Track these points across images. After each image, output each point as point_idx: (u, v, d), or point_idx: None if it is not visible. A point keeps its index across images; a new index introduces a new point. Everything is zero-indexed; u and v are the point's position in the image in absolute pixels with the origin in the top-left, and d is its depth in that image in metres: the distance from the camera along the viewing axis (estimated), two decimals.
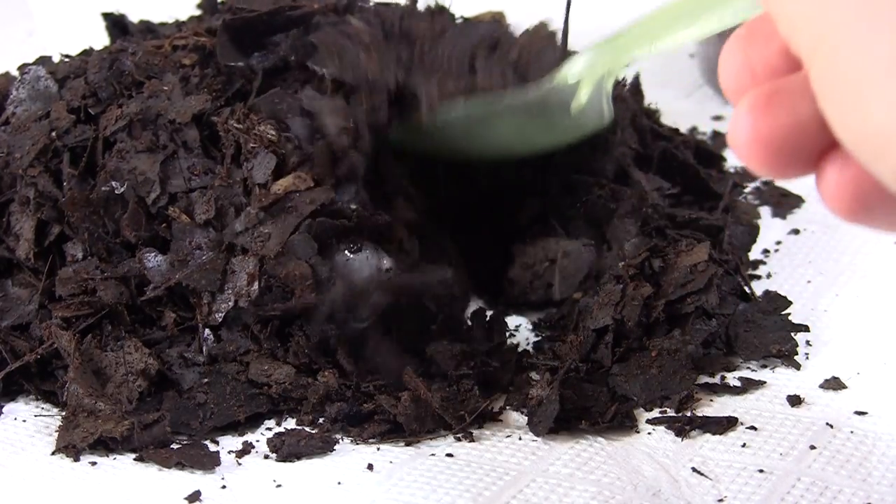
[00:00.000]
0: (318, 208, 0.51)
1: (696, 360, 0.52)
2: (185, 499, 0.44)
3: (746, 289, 0.56)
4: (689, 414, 0.49)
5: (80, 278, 0.53)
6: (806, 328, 0.54)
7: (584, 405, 0.49)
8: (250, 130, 0.53)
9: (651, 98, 0.69)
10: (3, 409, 0.51)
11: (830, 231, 0.64)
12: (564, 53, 0.55)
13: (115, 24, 0.67)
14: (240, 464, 0.47)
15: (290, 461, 0.47)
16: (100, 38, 0.66)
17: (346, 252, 0.52)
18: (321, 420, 0.49)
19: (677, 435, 0.48)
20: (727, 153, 0.71)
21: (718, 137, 0.76)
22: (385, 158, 0.55)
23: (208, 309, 0.52)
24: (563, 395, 0.48)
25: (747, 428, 0.48)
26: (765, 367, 0.53)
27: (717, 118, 0.79)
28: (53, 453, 0.48)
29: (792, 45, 0.29)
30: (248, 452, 0.48)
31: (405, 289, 0.51)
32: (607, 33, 0.46)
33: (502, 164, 0.59)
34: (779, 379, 0.51)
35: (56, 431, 0.48)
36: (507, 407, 0.50)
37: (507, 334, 0.56)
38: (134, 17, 0.67)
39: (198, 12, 0.66)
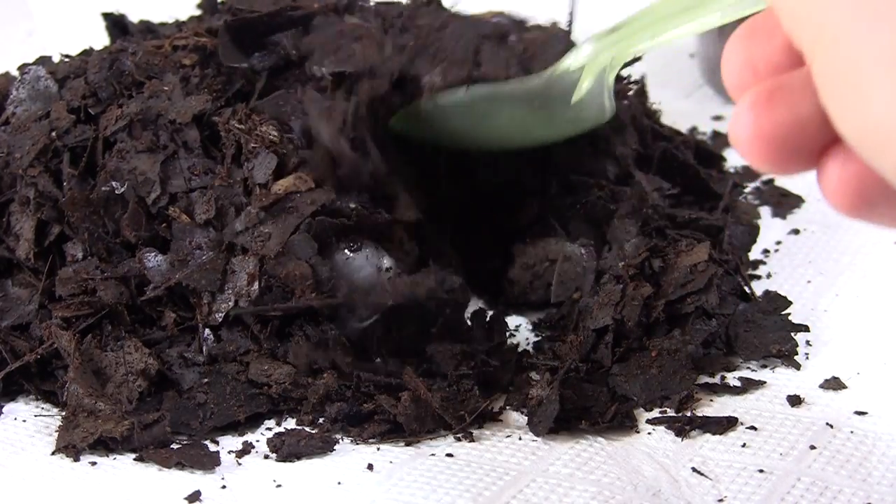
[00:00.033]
0: (319, 209, 0.51)
1: (696, 360, 0.52)
2: (185, 499, 0.44)
3: (746, 289, 0.56)
4: (689, 414, 0.49)
5: (80, 278, 0.53)
6: (806, 328, 0.54)
7: (584, 405, 0.49)
8: (252, 131, 0.53)
9: (651, 98, 0.69)
10: (3, 409, 0.51)
11: (830, 231, 0.64)
12: (569, 47, 0.56)
13: (115, 24, 0.67)
14: (240, 464, 0.47)
15: (290, 461, 0.47)
16: (100, 38, 0.67)
17: (346, 251, 0.52)
18: (321, 420, 0.49)
19: (677, 435, 0.48)
20: (727, 153, 0.71)
21: (718, 137, 0.76)
22: (388, 157, 0.55)
23: (208, 309, 0.52)
24: (563, 395, 0.48)
25: (747, 428, 0.48)
26: (765, 367, 0.53)
27: (717, 118, 0.79)
28: (53, 453, 0.48)
29: (794, 40, 0.29)
30: (248, 452, 0.48)
31: (411, 298, 0.51)
32: (609, 25, 0.46)
33: (502, 164, 0.59)
34: (779, 379, 0.51)
35: (56, 431, 0.48)
36: (507, 407, 0.50)
37: (507, 334, 0.56)
38: (134, 17, 0.67)
39: (198, 12, 0.66)
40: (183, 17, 0.66)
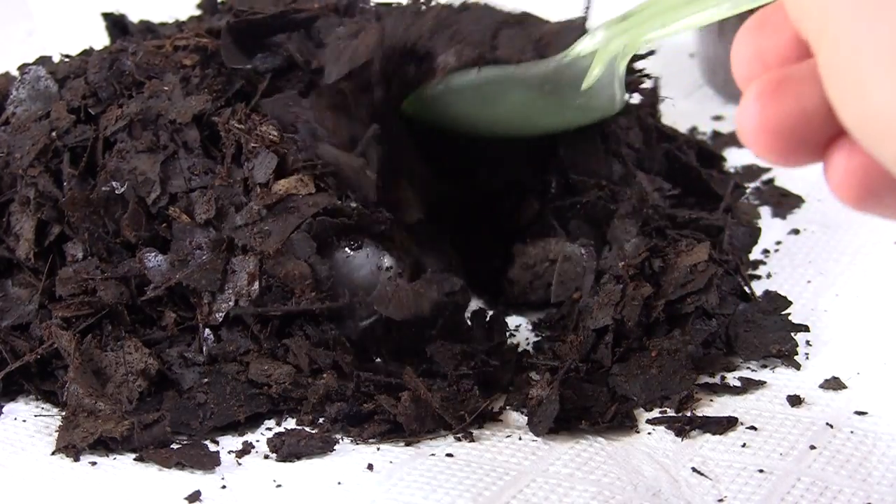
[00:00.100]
0: (321, 211, 0.51)
1: (696, 360, 0.52)
2: (185, 499, 0.44)
3: (746, 289, 0.56)
4: (689, 414, 0.49)
5: (80, 278, 0.53)
6: (806, 328, 0.54)
7: (584, 405, 0.49)
8: (252, 130, 0.53)
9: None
10: (3, 409, 0.51)
11: (830, 231, 0.64)
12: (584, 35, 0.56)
13: (115, 24, 0.67)
14: (240, 464, 0.47)
15: (290, 461, 0.47)
16: (100, 38, 0.67)
17: (347, 249, 0.52)
18: (321, 420, 0.49)
19: (677, 435, 0.48)
20: (727, 153, 0.71)
21: (718, 137, 0.76)
22: (396, 152, 0.55)
23: (208, 309, 0.52)
24: (563, 395, 0.48)
25: (747, 428, 0.48)
26: (765, 367, 0.52)
27: (717, 118, 0.79)
28: (53, 453, 0.48)
29: (801, 30, 0.29)
30: (248, 452, 0.48)
31: (416, 312, 0.51)
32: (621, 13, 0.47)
33: (503, 163, 0.59)
34: (779, 379, 0.51)
35: (56, 431, 0.48)
36: (507, 407, 0.50)
37: (507, 334, 0.56)
38: (134, 17, 0.67)
39: (198, 12, 0.66)
40: (183, 17, 0.66)
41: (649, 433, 0.48)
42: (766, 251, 0.62)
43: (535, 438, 0.48)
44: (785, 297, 0.56)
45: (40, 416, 0.51)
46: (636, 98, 0.65)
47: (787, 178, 0.69)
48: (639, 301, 0.52)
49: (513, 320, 0.57)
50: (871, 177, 0.29)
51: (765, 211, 0.66)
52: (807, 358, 0.53)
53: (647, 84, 0.66)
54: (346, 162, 0.53)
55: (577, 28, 0.57)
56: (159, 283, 0.52)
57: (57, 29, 0.96)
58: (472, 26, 0.56)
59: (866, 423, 0.48)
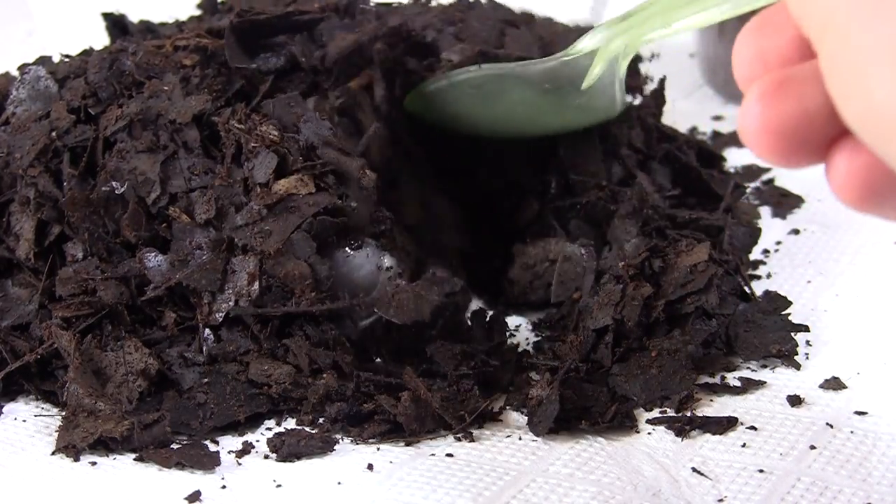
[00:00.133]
0: (321, 211, 0.51)
1: (696, 360, 0.52)
2: (185, 499, 0.44)
3: (746, 289, 0.56)
4: (689, 414, 0.49)
5: (80, 278, 0.53)
6: (806, 328, 0.54)
7: (584, 405, 0.49)
8: (252, 130, 0.53)
9: (654, 98, 0.69)
10: (3, 409, 0.51)
11: (830, 231, 0.64)
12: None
13: (115, 24, 0.67)
14: (240, 464, 0.47)
15: (290, 461, 0.47)
16: (100, 38, 0.67)
17: (347, 249, 0.52)
18: (321, 420, 0.49)
19: (677, 435, 0.48)
20: (727, 153, 0.71)
21: (718, 137, 0.76)
22: (398, 149, 0.55)
23: (208, 309, 0.52)
24: (563, 395, 0.48)
25: (747, 428, 0.48)
26: (765, 367, 0.52)
27: (717, 118, 0.79)
28: (53, 453, 0.48)
29: (803, 28, 0.29)
30: (248, 452, 0.48)
31: (417, 317, 0.51)
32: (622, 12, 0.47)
33: (502, 164, 0.59)
34: (779, 379, 0.51)
35: (56, 431, 0.48)
36: (507, 407, 0.50)
37: (507, 334, 0.56)
38: (134, 17, 0.67)
39: (198, 12, 0.66)
40: (183, 17, 0.66)
41: (649, 433, 0.48)
42: (766, 251, 0.62)
43: (535, 438, 0.48)
44: (785, 297, 0.56)
45: (40, 416, 0.51)
46: (639, 99, 0.65)
47: (787, 178, 0.69)
48: (639, 301, 0.52)
49: (513, 320, 0.57)
50: (872, 178, 0.29)
51: (765, 211, 0.66)
52: (807, 358, 0.53)
53: (653, 85, 0.66)
54: (346, 162, 0.53)
55: (582, 29, 0.57)
56: (159, 283, 0.52)
57: (57, 29, 0.96)
58: (478, 24, 0.56)
59: (866, 423, 0.48)
